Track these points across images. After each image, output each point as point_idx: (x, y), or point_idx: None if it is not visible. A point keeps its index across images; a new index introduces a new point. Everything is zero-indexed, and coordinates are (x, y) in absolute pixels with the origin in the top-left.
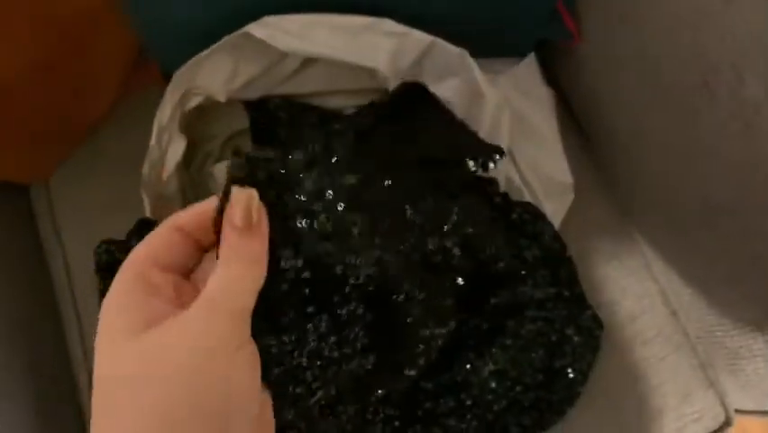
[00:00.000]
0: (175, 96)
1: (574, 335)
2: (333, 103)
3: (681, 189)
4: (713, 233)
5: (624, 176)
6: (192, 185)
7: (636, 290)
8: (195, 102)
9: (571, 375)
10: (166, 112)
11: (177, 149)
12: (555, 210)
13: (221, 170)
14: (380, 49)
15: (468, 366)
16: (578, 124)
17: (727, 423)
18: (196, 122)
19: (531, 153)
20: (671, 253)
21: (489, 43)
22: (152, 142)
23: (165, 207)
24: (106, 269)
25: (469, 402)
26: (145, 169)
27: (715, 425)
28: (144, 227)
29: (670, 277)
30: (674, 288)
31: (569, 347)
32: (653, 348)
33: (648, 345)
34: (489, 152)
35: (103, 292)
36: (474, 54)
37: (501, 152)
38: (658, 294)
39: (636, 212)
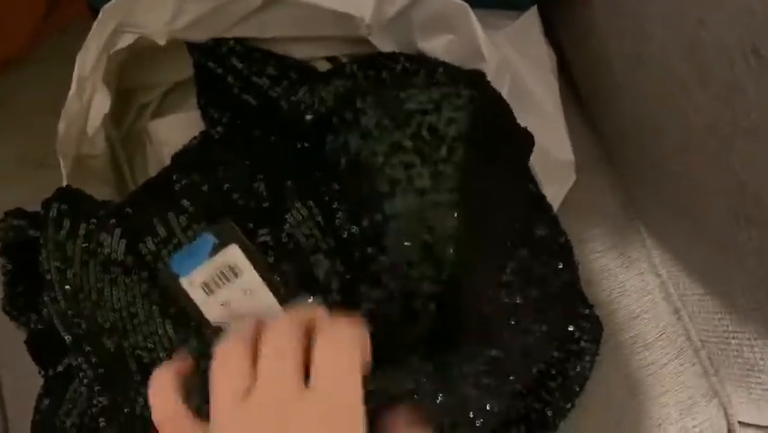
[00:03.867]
0: (102, 37)
1: (576, 331)
2: (299, 51)
3: (709, 176)
4: (744, 228)
5: (632, 156)
6: (123, 143)
7: (637, 285)
8: (125, 42)
9: (571, 373)
10: (90, 55)
11: (102, 101)
12: (555, 193)
13: (159, 127)
14: None
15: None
16: (579, 93)
17: None
18: (129, 67)
19: (529, 126)
20: (681, 250)
21: None
22: (71, 92)
23: (88, 169)
24: (13, 249)
25: None
26: (61, 125)
27: None
28: (64, 198)
29: (674, 273)
30: (679, 285)
31: (571, 345)
32: (655, 353)
33: (649, 350)
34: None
35: (10, 277)
36: (470, 5)
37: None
38: (659, 290)
39: (642, 197)
